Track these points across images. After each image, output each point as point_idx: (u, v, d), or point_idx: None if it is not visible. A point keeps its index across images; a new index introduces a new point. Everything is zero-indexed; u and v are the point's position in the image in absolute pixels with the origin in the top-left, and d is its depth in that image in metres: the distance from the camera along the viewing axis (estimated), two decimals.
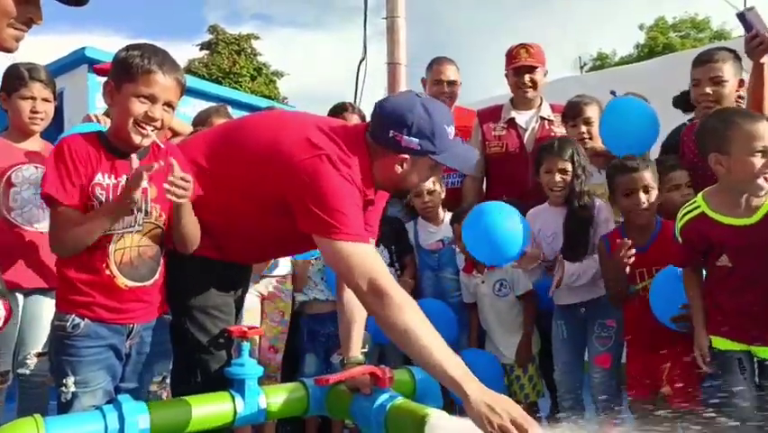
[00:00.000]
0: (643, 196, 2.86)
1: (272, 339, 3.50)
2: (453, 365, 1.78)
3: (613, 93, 3.44)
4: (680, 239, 2.60)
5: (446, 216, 3.66)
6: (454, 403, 1.99)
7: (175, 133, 3.24)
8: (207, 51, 26.88)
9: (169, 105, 2.01)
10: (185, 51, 28.25)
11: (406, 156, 2.07)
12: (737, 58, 3.06)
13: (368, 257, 1.95)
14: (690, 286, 2.62)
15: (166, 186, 1.92)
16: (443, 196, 3.65)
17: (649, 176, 2.87)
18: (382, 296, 1.88)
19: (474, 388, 1.72)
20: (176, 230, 2.05)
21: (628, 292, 2.94)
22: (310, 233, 1.98)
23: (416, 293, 3.61)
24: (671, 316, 2.73)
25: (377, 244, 3.54)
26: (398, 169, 2.10)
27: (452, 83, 4.12)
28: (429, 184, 3.49)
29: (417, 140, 2.03)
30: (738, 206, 2.43)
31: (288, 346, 3.56)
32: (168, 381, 2.19)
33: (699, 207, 2.51)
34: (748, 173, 2.36)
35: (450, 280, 3.59)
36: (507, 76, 3.92)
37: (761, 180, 2.36)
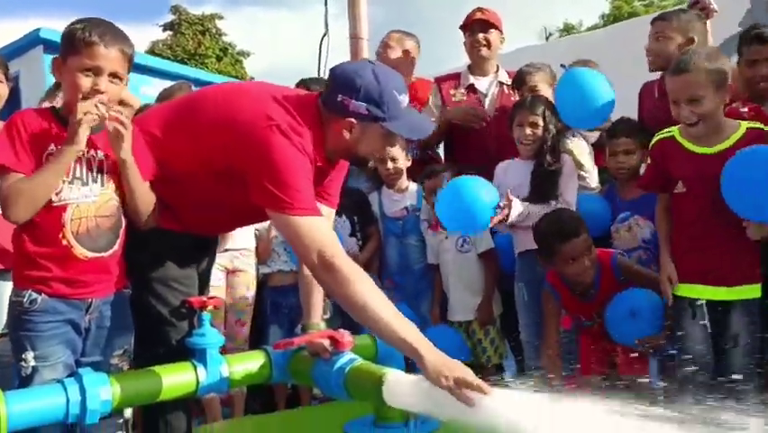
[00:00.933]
0: (587, 260, 2.84)
1: (238, 312, 3.54)
2: (408, 331, 1.86)
3: (563, 66, 3.48)
4: (649, 160, 2.79)
5: (411, 185, 3.70)
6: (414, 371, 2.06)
7: (123, 105, 3.23)
8: (171, 32, 26.48)
9: (116, 76, 2.01)
10: (148, 33, 27.82)
11: (354, 121, 2.07)
12: (693, 18, 3.14)
13: (319, 231, 1.97)
14: (660, 213, 2.75)
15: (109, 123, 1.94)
16: (408, 164, 3.68)
17: (586, 235, 2.84)
18: (333, 270, 1.92)
19: (428, 349, 1.81)
20: (127, 196, 2.05)
21: (583, 326, 3.04)
22: (262, 206, 2.00)
23: (381, 261, 3.69)
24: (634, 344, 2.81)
25: (339, 215, 3.59)
26: (347, 135, 2.09)
27: (403, 52, 4.14)
28: (395, 151, 3.54)
29: (365, 104, 2.03)
30: (706, 137, 2.55)
31: (254, 319, 3.60)
32: (129, 354, 2.20)
33: (672, 132, 2.65)
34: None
35: (413, 247, 3.63)
36: (464, 44, 3.97)
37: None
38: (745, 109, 2.82)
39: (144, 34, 25.57)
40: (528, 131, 3.22)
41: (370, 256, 3.67)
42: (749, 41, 2.89)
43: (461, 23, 3.96)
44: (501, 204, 3.02)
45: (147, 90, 5.50)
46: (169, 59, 20.45)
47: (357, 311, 1.91)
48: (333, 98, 2.06)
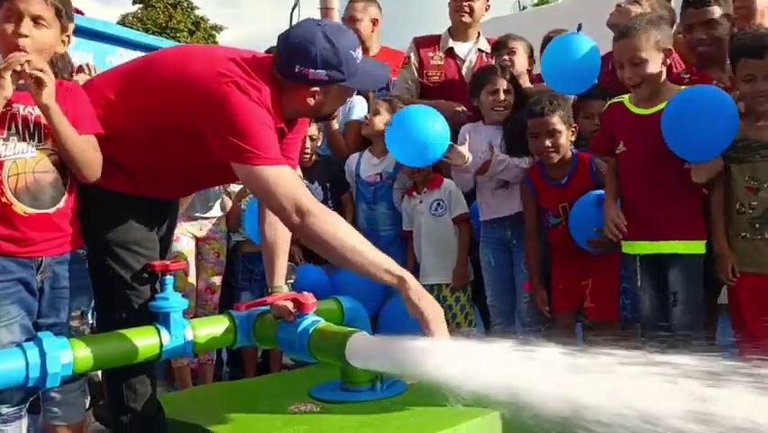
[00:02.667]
0: (547, 140, 2.97)
1: (208, 280, 3.55)
2: (390, 263, 1.97)
3: (579, 27, 3.46)
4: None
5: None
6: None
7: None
8: (141, 6, 26.03)
9: (40, 19, 1.96)
10: (118, 7, 27.35)
11: (317, 88, 2.09)
12: (666, 8, 3.24)
13: (287, 179, 1.98)
14: (608, 175, 2.84)
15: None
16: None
17: (556, 119, 2.95)
18: (306, 214, 1.93)
19: (411, 277, 1.95)
20: (59, 146, 1.99)
21: (550, 225, 3.08)
22: (227, 160, 1.98)
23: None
24: (586, 239, 2.88)
25: (311, 181, 3.58)
26: (311, 101, 2.13)
27: (372, 21, 4.13)
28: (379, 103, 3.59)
29: (325, 71, 2.04)
30: (648, 99, 2.66)
31: (225, 286, 3.61)
32: (88, 316, 2.17)
33: (623, 98, 2.76)
34: None
35: (382, 215, 3.62)
36: (449, 4, 3.91)
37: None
38: (688, 75, 2.92)
39: (114, 8, 25.17)
40: (502, 96, 3.27)
41: (351, 222, 3.66)
42: (685, 5, 2.94)
43: None
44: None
45: (112, 60, 5.37)
46: None
47: (339, 252, 1.94)
48: (290, 69, 2.05)
